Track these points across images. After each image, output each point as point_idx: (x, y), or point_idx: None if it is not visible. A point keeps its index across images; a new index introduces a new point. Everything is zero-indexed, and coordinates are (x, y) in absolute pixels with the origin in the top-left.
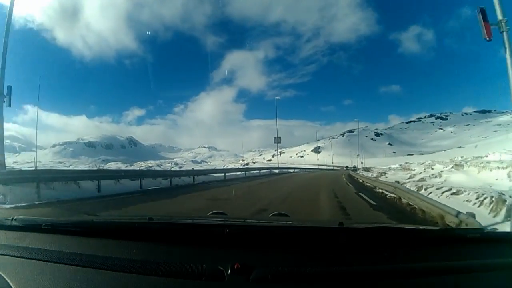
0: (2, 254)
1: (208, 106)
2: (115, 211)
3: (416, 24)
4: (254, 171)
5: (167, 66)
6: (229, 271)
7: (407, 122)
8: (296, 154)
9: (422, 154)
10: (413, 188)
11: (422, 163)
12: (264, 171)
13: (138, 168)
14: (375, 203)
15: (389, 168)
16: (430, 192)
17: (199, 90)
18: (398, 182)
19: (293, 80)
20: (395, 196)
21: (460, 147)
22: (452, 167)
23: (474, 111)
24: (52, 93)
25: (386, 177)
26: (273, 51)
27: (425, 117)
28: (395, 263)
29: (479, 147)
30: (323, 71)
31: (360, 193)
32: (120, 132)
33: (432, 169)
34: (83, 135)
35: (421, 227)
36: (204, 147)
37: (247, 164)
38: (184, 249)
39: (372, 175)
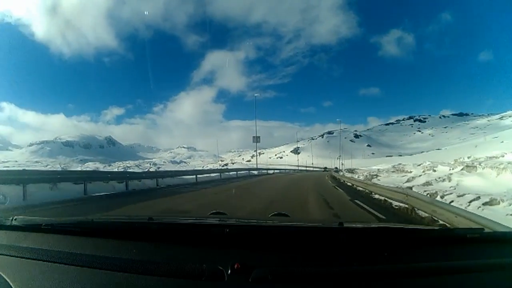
0: (2, 254)
1: (188, 106)
2: None
3: (397, 28)
4: (231, 173)
5: (147, 65)
6: (229, 271)
7: (386, 124)
8: (275, 155)
9: (401, 155)
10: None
11: (419, 165)
12: (241, 172)
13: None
14: (383, 217)
15: (378, 169)
16: (452, 201)
17: (179, 90)
18: (411, 188)
19: (273, 81)
20: (406, 206)
21: (439, 149)
22: (462, 169)
23: (452, 114)
24: (29, 91)
25: (379, 179)
26: (254, 52)
27: (403, 120)
28: (395, 263)
29: (479, 146)
30: (303, 72)
31: (357, 201)
32: (99, 131)
33: (435, 171)
34: (61, 134)
35: (421, 227)
36: (183, 147)
37: (226, 164)
38: (184, 249)
39: (359, 177)
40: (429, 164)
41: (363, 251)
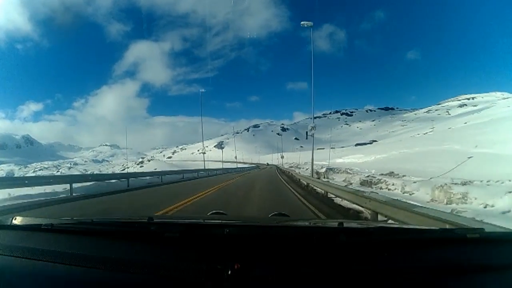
0: (2, 254)
1: (110, 100)
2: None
3: (330, 23)
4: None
5: (66, 54)
6: (229, 271)
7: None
8: (198, 150)
9: (334, 148)
10: None
11: None
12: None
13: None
14: None
15: None
16: None
17: (100, 83)
18: None
19: (199, 74)
20: None
21: (375, 140)
22: None
23: (378, 108)
24: None
25: None
26: (180, 43)
27: (330, 113)
28: (395, 263)
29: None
30: (231, 66)
31: None
32: (15, 129)
33: None
34: None
35: (421, 227)
36: (106, 145)
37: (142, 162)
38: (184, 249)
39: None
40: None
41: (363, 251)
